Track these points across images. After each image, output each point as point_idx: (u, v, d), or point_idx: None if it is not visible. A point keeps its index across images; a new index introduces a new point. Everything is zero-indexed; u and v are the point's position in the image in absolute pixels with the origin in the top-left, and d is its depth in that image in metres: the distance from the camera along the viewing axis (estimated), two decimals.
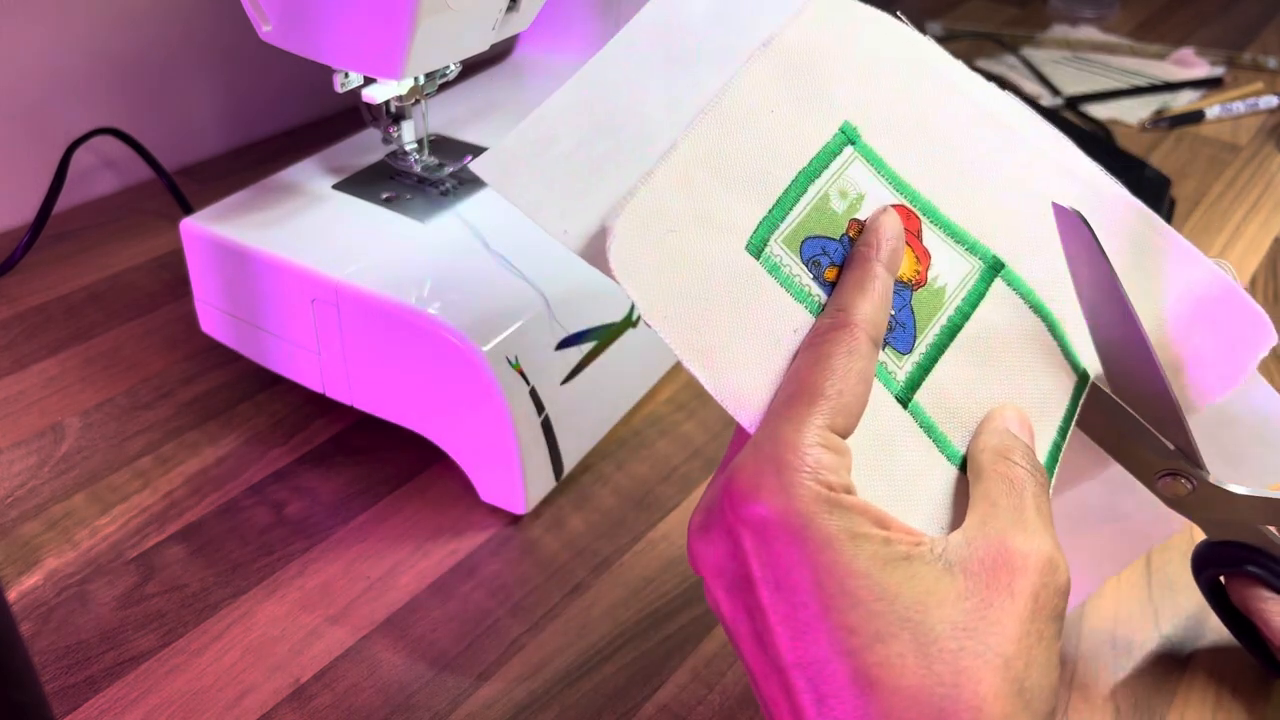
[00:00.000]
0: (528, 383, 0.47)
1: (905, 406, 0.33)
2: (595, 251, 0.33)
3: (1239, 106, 0.91)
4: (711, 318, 0.32)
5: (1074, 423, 0.35)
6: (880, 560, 0.27)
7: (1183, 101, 0.94)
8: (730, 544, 0.29)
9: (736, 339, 0.32)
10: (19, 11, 0.68)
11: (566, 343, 0.49)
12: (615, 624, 0.45)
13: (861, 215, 0.35)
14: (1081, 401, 0.36)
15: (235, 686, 0.42)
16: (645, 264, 0.32)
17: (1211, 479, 0.35)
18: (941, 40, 1.05)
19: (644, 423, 0.56)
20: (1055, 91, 0.94)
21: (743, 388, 0.31)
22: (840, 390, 0.30)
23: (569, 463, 0.51)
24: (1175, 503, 0.36)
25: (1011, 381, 0.35)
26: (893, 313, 0.33)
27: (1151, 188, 0.75)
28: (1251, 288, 0.68)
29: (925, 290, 0.35)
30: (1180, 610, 0.45)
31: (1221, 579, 0.40)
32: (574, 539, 0.49)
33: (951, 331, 0.34)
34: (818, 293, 0.33)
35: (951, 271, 0.35)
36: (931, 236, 0.35)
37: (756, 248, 0.33)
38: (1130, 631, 0.44)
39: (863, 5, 0.38)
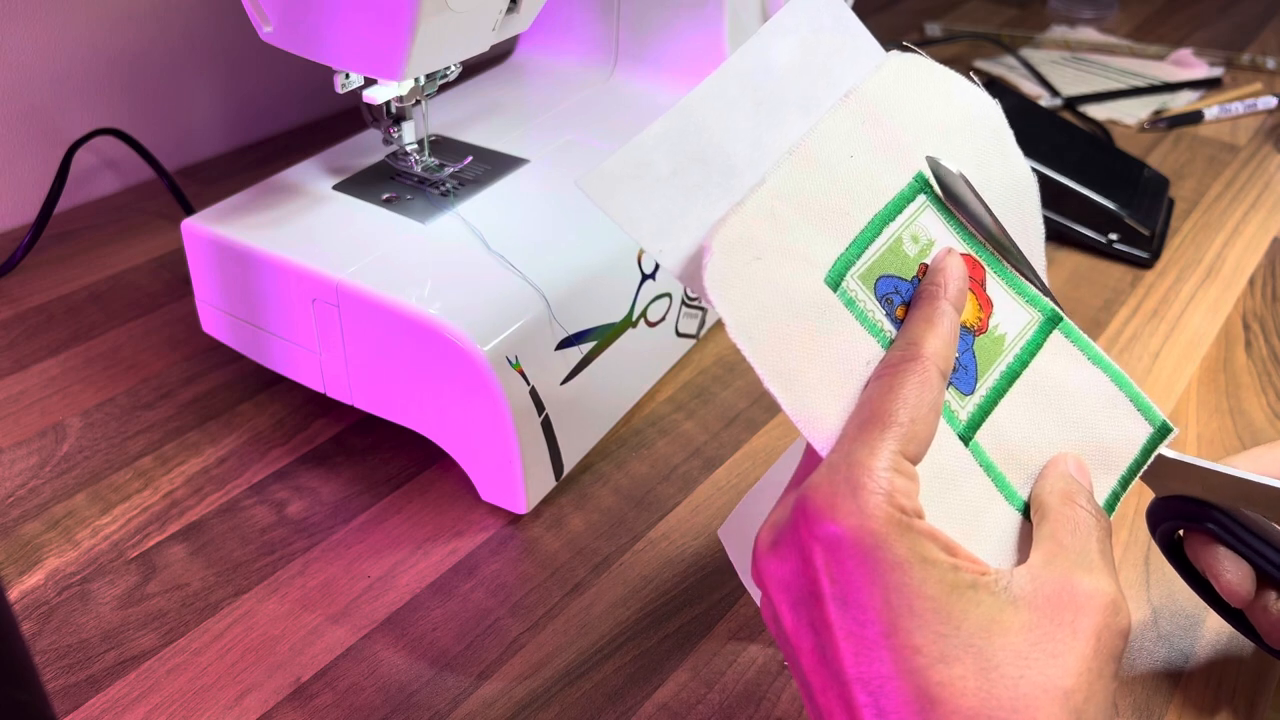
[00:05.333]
0: (528, 383, 0.47)
1: (967, 444, 0.34)
2: (690, 271, 0.35)
3: (1238, 107, 0.92)
4: (792, 343, 0.34)
5: (1140, 473, 0.38)
6: (948, 586, 0.28)
7: (1181, 102, 0.94)
8: (800, 560, 0.30)
9: (813, 365, 0.34)
10: (20, 12, 0.68)
11: (566, 343, 0.49)
12: (615, 623, 0.45)
13: (931, 259, 0.37)
14: (1156, 452, 0.38)
15: (236, 685, 0.42)
16: (735, 286, 0.34)
17: (1161, 449, 0.37)
18: (941, 41, 1.05)
19: (644, 423, 0.56)
20: (1054, 92, 0.94)
21: (817, 412, 0.33)
22: (912, 418, 0.31)
23: (569, 462, 0.51)
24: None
25: (1068, 429, 0.37)
26: (956, 354, 0.35)
27: (1150, 188, 0.75)
28: (1250, 287, 0.68)
29: (987, 336, 0.37)
30: (1180, 610, 0.46)
31: (1179, 534, 0.41)
32: (574, 538, 0.49)
33: (1011, 378, 0.36)
34: (889, 328, 0.35)
35: (1012, 321, 0.37)
36: (994, 286, 0.38)
37: (834, 281, 0.35)
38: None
39: (937, 65, 0.40)
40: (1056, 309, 0.38)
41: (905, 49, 0.40)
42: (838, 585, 0.29)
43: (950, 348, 0.34)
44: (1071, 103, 0.92)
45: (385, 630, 0.44)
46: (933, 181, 0.38)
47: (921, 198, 0.38)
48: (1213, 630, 0.45)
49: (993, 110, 0.40)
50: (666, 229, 0.36)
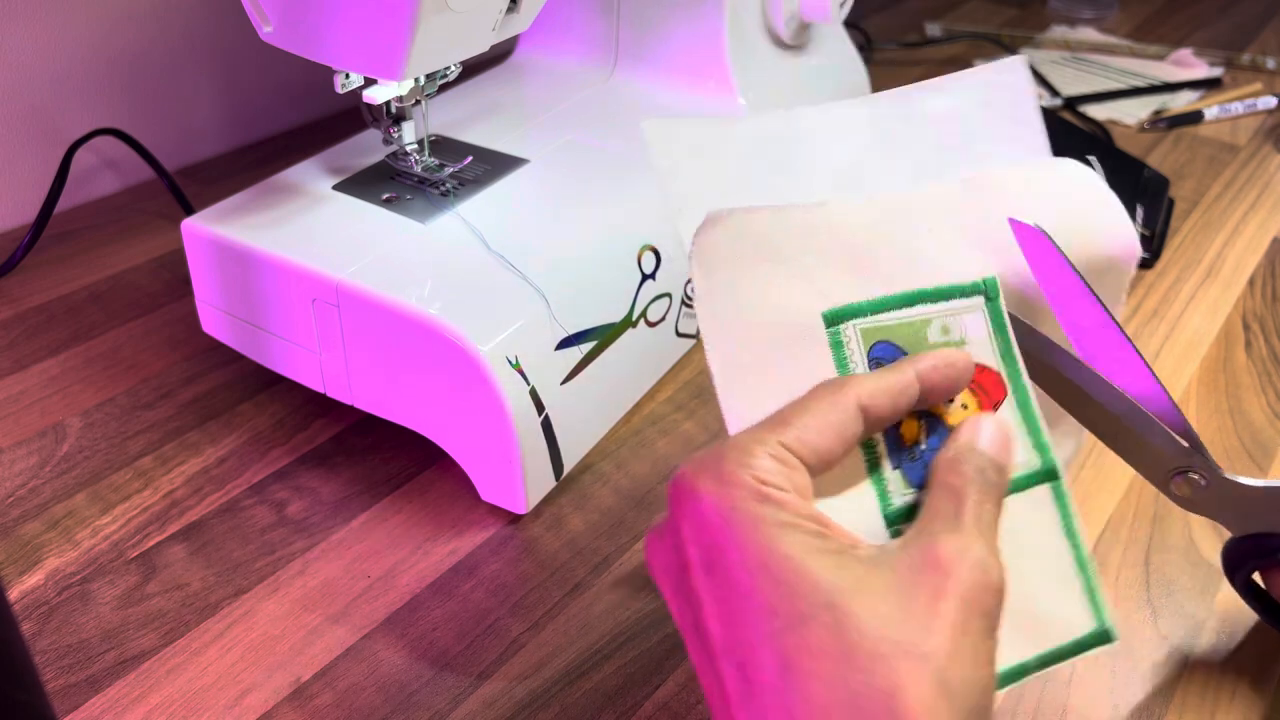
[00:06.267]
0: (528, 383, 0.47)
1: (888, 528, 0.33)
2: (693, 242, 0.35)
3: (1237, 107, 0.92)
4: (754, 343, 0.33)
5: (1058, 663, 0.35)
6: (809, 549, 0.28)
7: (1181, 102, 0.94)
8: (674, 537, 0.30)
9: (762, 371, 0.34)
10: (20, 12, 0.68)
11: (566, 343, 0.49)
12: (615, 623, 0.45)
13: None
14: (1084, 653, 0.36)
15: (236, 685, 0.42)
16: (722, 267, 0.34)
17: (1225, 473, 0.35)
18: (941, 41, 1.05)
19: (644, 423, 0.56)
20: (1054, 92, 0.94)
21: (742, 411, 0.33)
22: (806, 425, 0.30)
23: (569, 462, 0.51)
24: (1188, 503, 0.36)
25: (1009, 579, 0.34)
26: (922, 445, 0.34)
27: (1150, 188, 0.75)
28: (1250, 287, 0.68)
29: None
30: (1179, 611, 0.46)
31: (1256, 575, 0.39)
32: (574, 538, 0.49)
33: None
34: None
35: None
36: (1008, 413, 0.36)
37: (833, 319, 0.34)
38: (1129, 632, 0.44)
39: (1103, 187, 0.38)
40: (1058, 469, 0.35)
41: (1085, 161, 0.37)
42: (702, 552, 0.29)
43: (887, 399, 0.32)
44: (1071, 103, 0.92)
45: (385, 630, 0.44)
46: (1003, 295, 0.36)
47: (979, 299, 0.36)
48: (1213, 630, 0.45)
49: (1133, 253, 0.38)
50: (698, 199, 0.35)
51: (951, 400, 0.35)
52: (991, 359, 0.36)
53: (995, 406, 0.35)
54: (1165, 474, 0.36)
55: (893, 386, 0.32)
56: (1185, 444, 0.35)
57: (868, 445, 0.34)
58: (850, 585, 0.27)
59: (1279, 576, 0.37)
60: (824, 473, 0.32)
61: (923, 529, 0.30)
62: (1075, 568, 0.35)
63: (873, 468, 0.34)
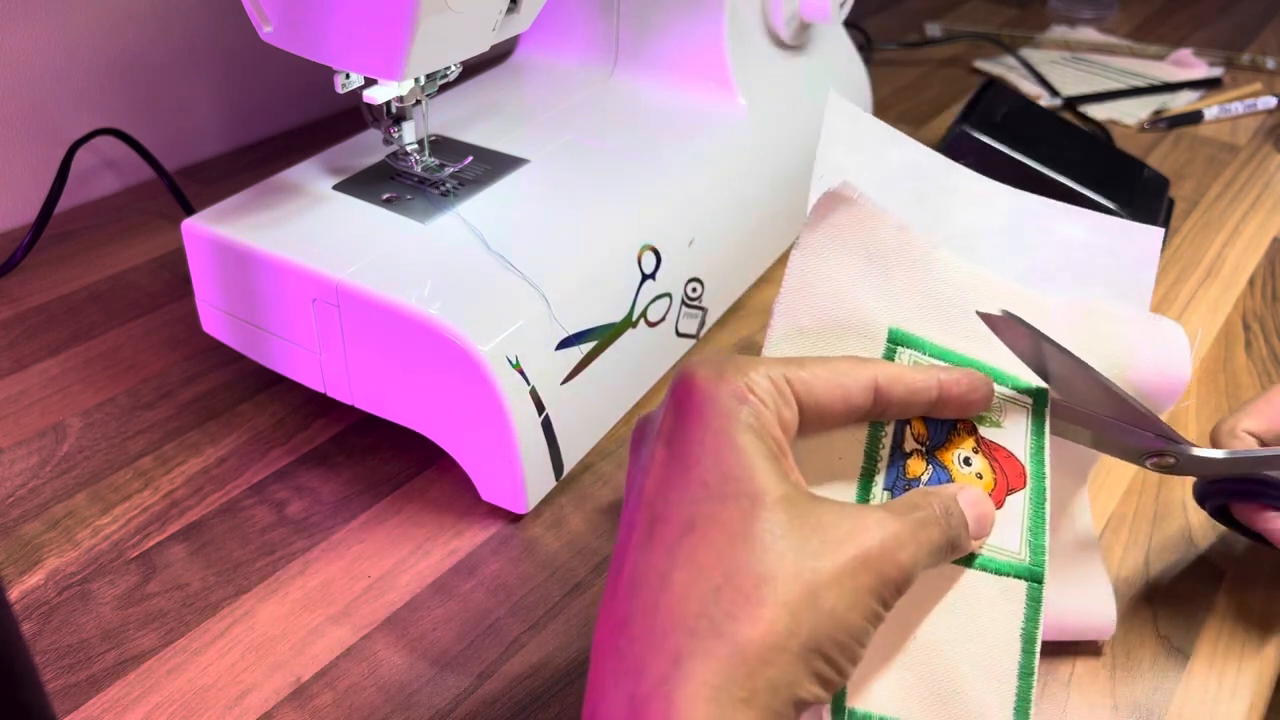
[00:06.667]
0: (528, 383, 0.47)
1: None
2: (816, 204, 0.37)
3: (1237, 107, 0.92)
4: (822, 314, 0.36)
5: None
6: (760, 452, 0.30)
7: (1181, 102, 0.94)
8: (661, 409, 0.32)
9: (816, 336, 0.36)
10: (21, 12, 0.68)
11: (566, 343, 0.50)
12: None
13: (984, 429, 0.37)
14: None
15: (236, 685, 0.42)
16: (832, 239, 0.36)
17: (1193, 451, 0.39)
18: (941, 41, 1.05)
19: None
20: (1054, 92, 0.94)
21: (782, 354, 0.36)
22: (817, 373, 0.32)
23: (569, 462, 0.51)
24: (1166, 472, 0.40)
25: (954, 649, 0.35)
26: (920, 482, 0.35)
27: (1150, 188, 0.75)
28: (1250, 287, 0.68)
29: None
30: (1179, 610, 0.46)
31: (1226, 504, 0.44)
32: (574, 538, 0.49)
33: (957, 563, 0.35)
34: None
35: (1003, 540, 0.36)
36: (1017, 504, 0.36)
37: (896, 339, 0.37)
38: (1129, 631, 0.44)
39: (1186, 350, 0.41)
40: (1043, 576, 0.36)
41: (1177, 327, 0.41)
42: (672, 424, 0.31)
43: (903, 389, 0.34)
44: (1071, 103, 0.92)
45: (385, 630, 0.44)
46: (1048, 407, 0.38)
47: (1030, 401, 0.38)
48: (1213, 630, 0.45)
49: (1178, 394, 0.40)
50: (842, 175, 0.37)
51: (970, 463, 0.36)
52: (1021, 453, 0.37)
53: (1009, 492, 0.36)
54: (1141, 458, 0.39)
55: (913, 381, 0.34)
56: (1155, 437, 0.38)
57: (869, 455, 0.35)
58: (779, 492, 0.29)
59: (1247, 509, 0.42)
60: (817, 428, 0.33)
61: (863, 507, 0.32)
62: (1016, 674, 0.35)
63: (866, 477, 0.35)
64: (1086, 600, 0.42)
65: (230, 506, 0.50)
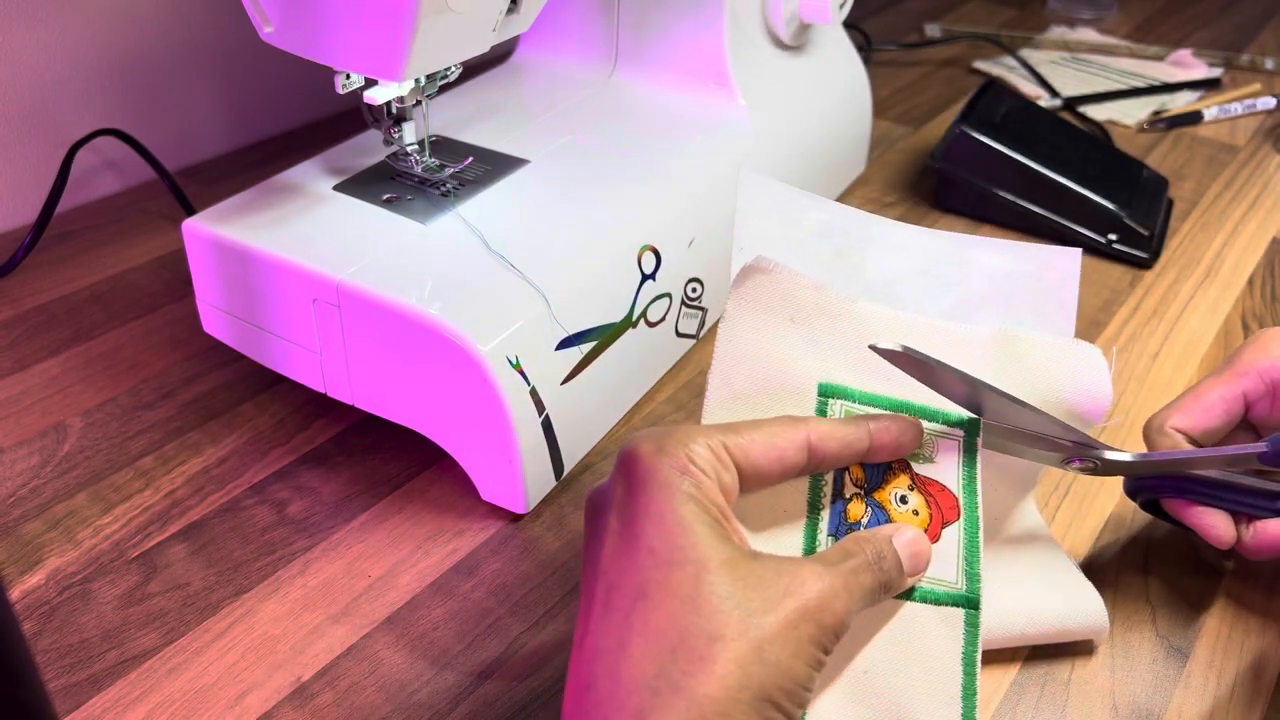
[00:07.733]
0: (528, 383, 0.47)
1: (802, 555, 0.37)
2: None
3: (1237, 107, 0.92)
4: (754, 379, 0.39)
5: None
6: (702, 520, 0.32)
7: (1181, 102, 0.94)
8: (609, 483, 0.35)
9: (750, 401, 0.38)
10: (22, 13, 0.68)
11: (566, 343, 0.50)
12: None
13: (917, 466, 0.39)
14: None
15: (237, 685, 0.42)
16: (754, 310, 0.39)
17: (1108, 455, 0.41)
18: (941, 41, 1.05)
19: (644, 423, 0.56)
20: (1054, 92, 0.94)
21: (720, 421, 0.38)
22: (753, 438, 0.35)
23: (569, 462, 0.51)
24: (1090, 474, 0.42)
25: (892, 674, 0.37)
26: (861, 526, 0.37)
27: (1149, 188, 0.75)
28: (1249, 287, 0.68)
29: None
30: (1178, 610, 0.46)
31: (1156, 498, 0.46)
32: (574, 538, 0.49)
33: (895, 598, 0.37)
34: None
35: (939, 569, 0.38)
36: (952, 537, 0.38)
37: (826, 392, 0.39)
38: (1128, 631, 0.45)
39: (1089, 374, 0.42)
40: (979, 602, 0.38)
41: (1103, 353, 0.42)
42: (621, 497, 0.33)
43: (836, 444, 0.36)
44: (1071, 103, 0.92)
45: (386, 630, 0.45)
46: (979, 435, 0.40)
47: (960, 433, 0.39)
48: (1212, 630, 0.45)
49: (1102, 414, 0.42)
50: (760, 247, 0.40)
51: (906, 501, 0.38)
52: (954, 485, 0.39)
53: (944, 525, 0.38)
54: (1062, 462, 0.42)
55: (845, 435, 0.37)
56: (1070, 444, 0.41)
57: (812, 505, 0.38)
58: (722, 556, 0.32)
59: (1175, 504, 0.44)
60: (757, 487, 0.35)
61: (800, 560, 0.34)
62: (960, 695, 0.37)
63: (811, 525, 0.38)
64: (1070, 601, 0.43)
65: (231, 506, 0.50)
